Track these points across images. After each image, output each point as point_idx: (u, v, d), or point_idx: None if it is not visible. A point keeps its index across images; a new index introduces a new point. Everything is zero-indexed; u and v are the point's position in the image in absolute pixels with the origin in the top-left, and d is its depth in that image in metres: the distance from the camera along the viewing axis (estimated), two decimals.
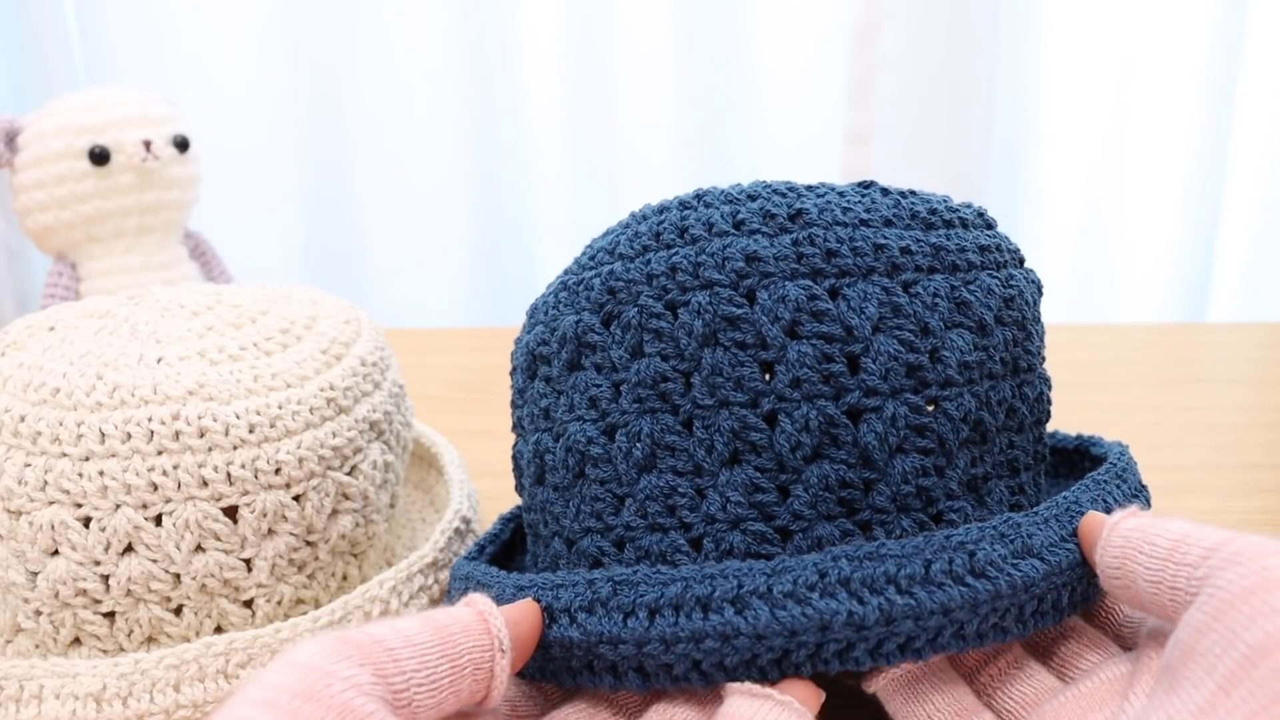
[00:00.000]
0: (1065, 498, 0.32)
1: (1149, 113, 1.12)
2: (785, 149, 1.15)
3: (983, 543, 0.29)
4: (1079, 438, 0.43)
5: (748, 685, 0.29)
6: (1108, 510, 0.32)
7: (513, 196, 1.18)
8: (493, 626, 0.29)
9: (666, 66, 1.14)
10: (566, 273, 0.37)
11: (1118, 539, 0.29)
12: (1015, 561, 0.29)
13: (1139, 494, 0.35)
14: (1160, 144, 1.13)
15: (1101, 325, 0.95)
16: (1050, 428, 0.42)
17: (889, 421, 0.31)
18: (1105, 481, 0.34)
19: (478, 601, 0.29)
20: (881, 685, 0.31)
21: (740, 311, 0.32)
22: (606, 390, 0.33)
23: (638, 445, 0.32)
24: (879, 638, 0.28)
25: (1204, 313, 1.19)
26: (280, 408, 0.39)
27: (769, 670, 0.28)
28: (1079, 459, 0.42)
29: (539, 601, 0.31)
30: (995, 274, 0.35)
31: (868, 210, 0.34)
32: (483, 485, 0.55)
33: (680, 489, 0.32)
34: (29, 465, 0.37)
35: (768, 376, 0.32)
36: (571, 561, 0.35)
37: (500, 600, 0.33)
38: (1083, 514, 0.32)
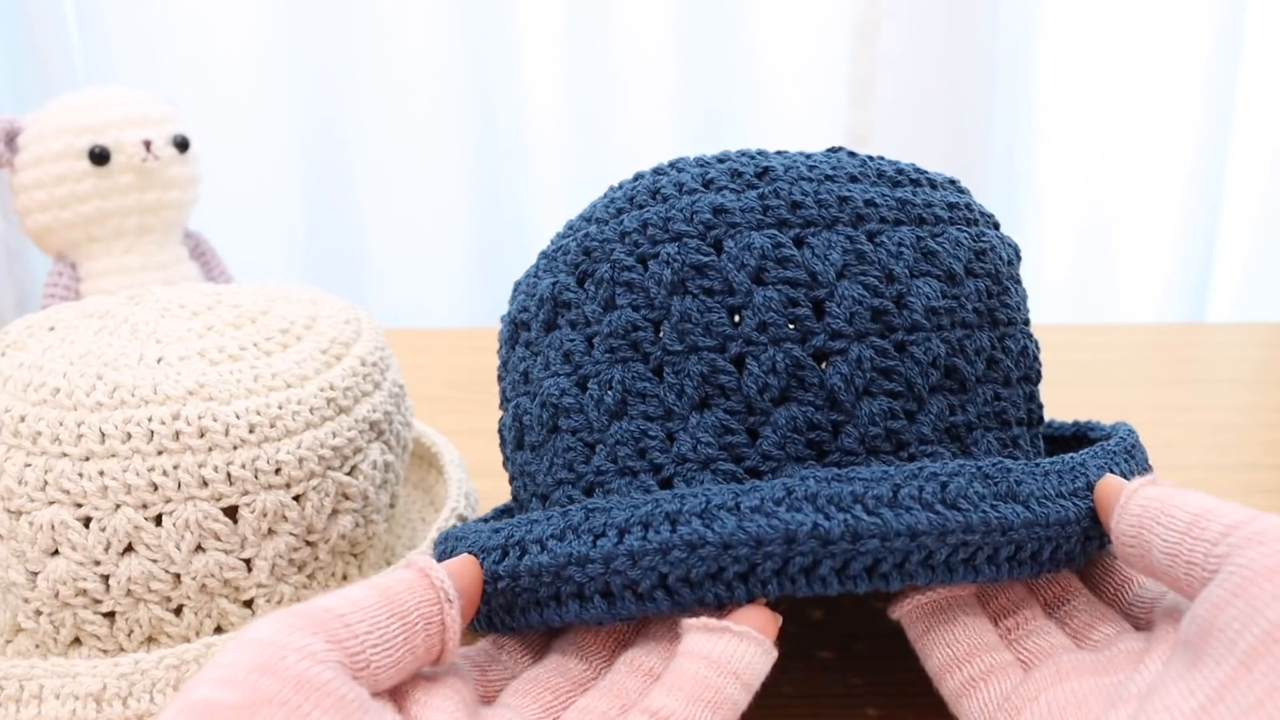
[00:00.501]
0: (1071, 457, 0.32)
1: (1149, 113, 1.12)
2: (785, 148, 1.15)
3: (958, 477, 0.29)
4: (1076, 424, 0.43)
5: (703, 620, 0.29)
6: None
7: (512, 196, 1.19)
8: (435, 580, 0.29)
9: (666, 66, 1.14)
10: (547, 245, 0.38)
11: (1135, 506, 0.29)
12: (995, 502, 0.29)
13: (1146, 471, 0.35)
14: (1160, 144, 1.13)
15: (1101, 325, 0.95)
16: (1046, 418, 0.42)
17: (854, 363, 0.32)
18: (1115, 452, 0.34)
19: (417, 561, 0.30)
20: (905, 611, 0.31)
21: (708, 259, 0.33)
22: (580, 344, 0.34)
23: (609, 393, 0.33)
24: (845, 555, 0.28)
25: (1204, 313, 1.19)
26: (280, 408, 0.39)
27: (734, 585, 0.29)
28: (1077, 446, 0.42)
29: (512, 537, 0.32)
30: (964, 228, 0.35)
31: (833, 168, 0.35)
32: (483, 485, 0.55)
33: (651, 432, 0.33)
34: (29, 465, 0.37)
35: (736, 321, 0.32)
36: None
37: (476, 544, 0.33)
38: (1086, 475, 0.32)
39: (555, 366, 0.35)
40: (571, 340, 0.34)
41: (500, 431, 0.39)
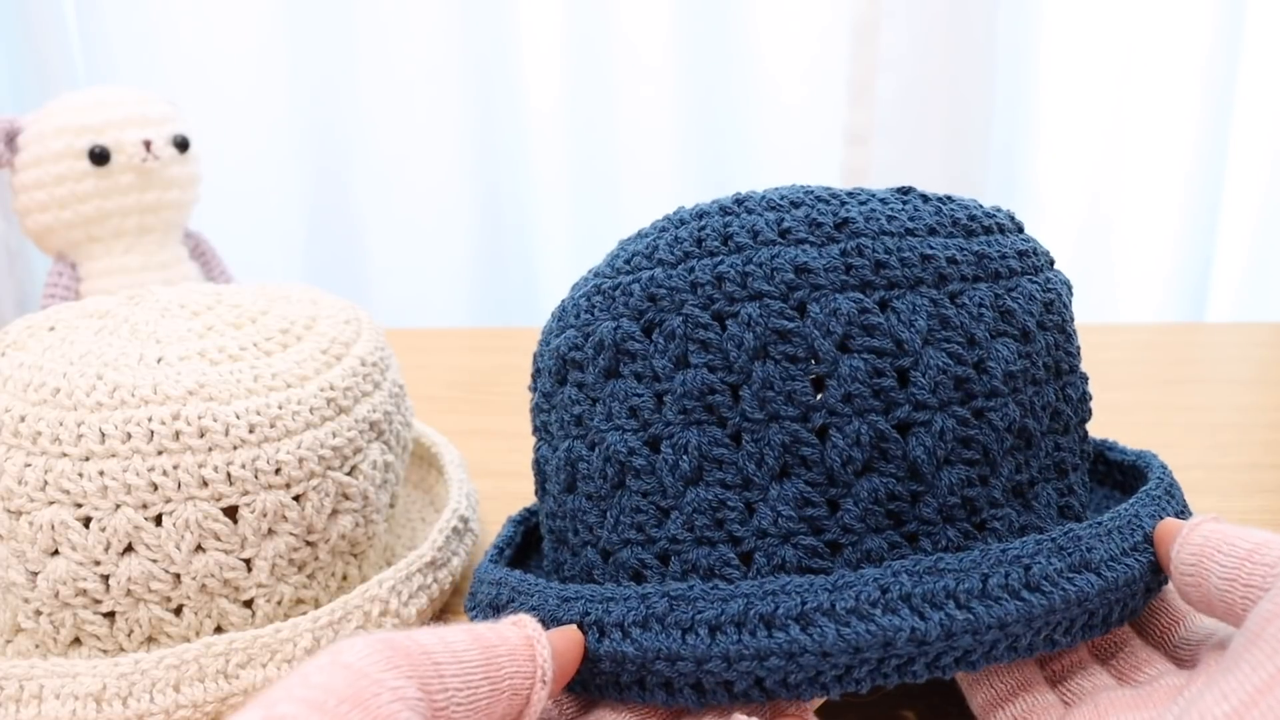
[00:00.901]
0: (1126, 510, 0.32)
1: (1149, 113, 1.12)
2: (785, 149, 1.15)
3: (1039, 556, 0.29)
4: (1137, 454, 0.42)
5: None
6: None
7: (512, 196, 1.18)
8: (539, 655, 0.28)
9: (666, 67, 1.14)
10: (598, 275, 0.37)
11: (1197, 538, 0.30)
12: (1071, 576, 0.29)
13: (1185, 511, 0.35)
14: (1160, 144, 1.13)
15: (1101, 325, 0.95)
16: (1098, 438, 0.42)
17: (937, 435, 0.31)
18: (1158, 496, 0.34)
19: (526, 624, 0.29)
20: None
21: (792, 325, 0.31)
22: (649, 400, 0.33)
23: (684, 458, 0.32)
24: (938, 652, 0.28)
25: (1204, 313, 1.19)
26: (280, 408, 0.39)
27: (831, 686, 0.29)
28: (1093, 464, 0.42)
29: (588, 614, 0.31)
30: (1034, 279, 0.35)
31: (911, 219, 0.33)
32: (483, 485, 0.55)
33: (729, 502, 0.32)
34: (29, 465, 0.37)
35: (818, 390, 0.31)
36: (608, 573, 0.34)
37: (543, 610, 0.33)
38: (1143, 527, 0.32)
39: (620, 420, 0.34)
40: (639, 395, 0.33)
41: (540, 465, 0.38)
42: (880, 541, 0.31)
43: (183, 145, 0.71)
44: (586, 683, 0.31)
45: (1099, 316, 1.17)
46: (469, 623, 0.30)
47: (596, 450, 0.34)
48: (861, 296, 0.32)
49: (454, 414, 0.69)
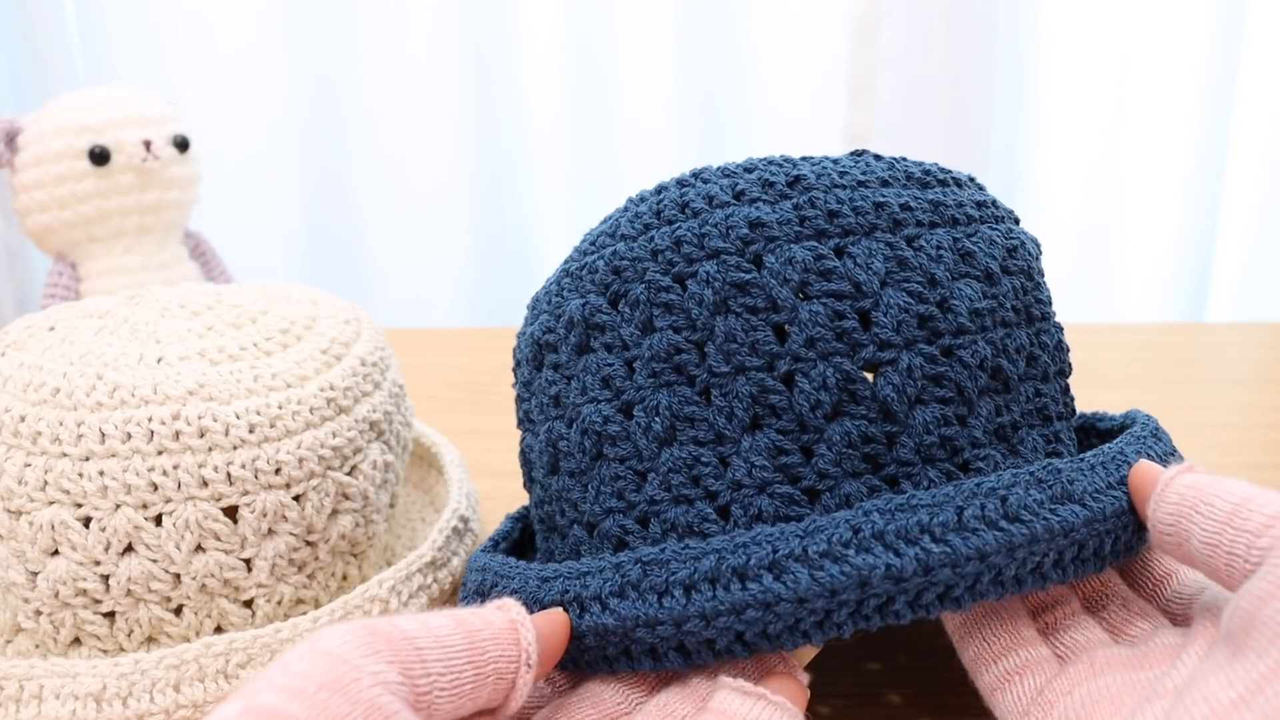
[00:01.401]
0: (1111, 447, 0.32)
1: (1149, 113, 1.12)
2: (785, 149, 1.14)
3: (1015, 488, 0.29)
4: (1082, 415, 0.42)
5: (739, 682, 0.29)
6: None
7: (512, 196, 1.18)
8: (523, 638, 0.28)
9: (666, 66, 1.14)
10: (567, 261, 0.37)
11: (1173, 495, 0.29)
12: (1054, 506, 0.29)
13: (1174, 454, 0.35)
14: (1160, 144, 1.13)
15: (1101, 325, 0.95)
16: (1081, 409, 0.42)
17: (905, 373, 0.31)
18: (1144, 437, 0.34)
19: (510, 608, 0.29)
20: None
21: (749, 276, 0.32)
22: (619, 369, 0.33)
23: (656, 419, 0.32)
24: (918, 588, 0.28)
25: (1204, 313, 1.19)
26: (280, 408, 0.39)
27: (812, 633, 0.28)
28: (1083, 436, 0.42)
29: (567, 592, 0.31)
30: (995, 226, 0.35)
31: (863, 172, 0.34)
32: (483, 485, 0.55)
33: (704, 458, 0.32)
34: (29, 465, 0.37)
35: (782, 338, 0.32)
36: (594, 546, 0.34)
37: (524, 591, 0.33)
38: (1129, 462, 0.32)
39: (594, 392, 0.34)
40: (610, 365, 0.33)
41: (525, 454, 0.38)
42: (859, 486, 0.31)
43: (183, 145, 0.71)
44: (576, 660, 0.31)
45: (1099, 316, 1.17)
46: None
47: (574, 426, 0.35)
48: (816, 244, 0.32)
49: (454, 414, 0.69)
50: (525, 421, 0.38)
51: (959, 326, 0.32)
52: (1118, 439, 0.33)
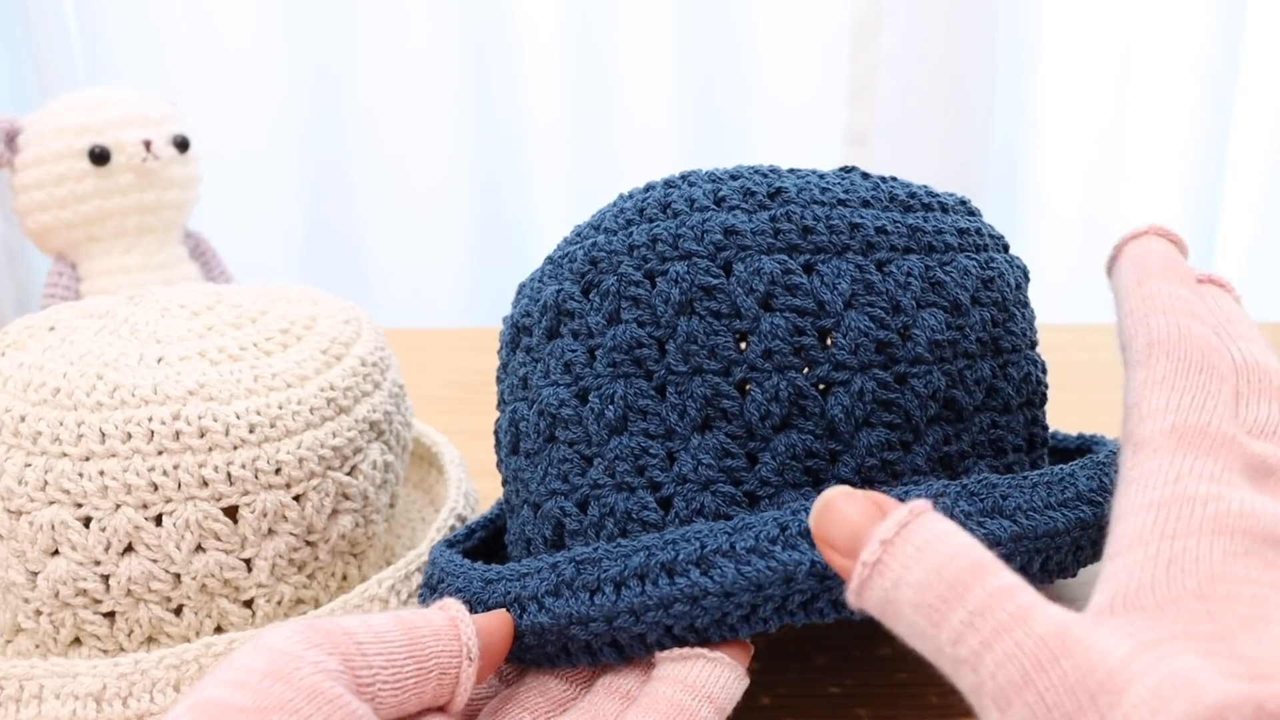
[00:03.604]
0: (1061, 468, 0.33)
1: (1148, 112, 1.12)
2: (785, 148, 1.15)
3: (943, 497, 0.30)
4: (1080, 437, 0.42)
5: (676, 650, 0.29)
6: (1104, 491, 0.32)
7: (512, 196, 1.19)
8: (463, 634, 0.29)
9: (666, 66, 1.14)
10: (554, 250, 0.38)
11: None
12: (981, 519, 0.29)
13: None
14: (1160, 144, 1.13)
15: (1101, 325, 0.95)
16: (1050, 428, 0.42)
17: (856, 395, 0.32)
18: (1104, 463, 0.34)
19: (451, 606, 0.30)
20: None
21: (717, 282, 0.32)
22: (582, 355, 0.34)
23: (610, 407, 0.33)
24: (842, 586, 0.28)
25: None
26: (280, 408, 0.39)
27: (739, 627, 0.29)
28: (1079, 458, 0.42)
29: (509, 593, 0.32)
30: (974, 256, 0.35)
31: (846, 191, 0.34)
32: (482, 485, 0.55)
33: (651, 450, 0.33)
34: (29, 465, 0.37)
35: (741, 346, 0.32)
36: (536, 526, 0.35)
37: (468, 591, 0.33)
38: (1075, 485, 0.32)
39: (555, 376, 0.35)
40: (573, 350, 0.34)
41: (496, 434, 0.39)
42: (797, 496, 0.31)
43: (183, 145, 0.71)
44: (520, 658, 0.32)
45: (1099, 316, 1.17)
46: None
47: (533, 407, 0.35)
48: (786, 258, 0.32)
49: (454, 414, 0.69)
50: (500, 402, 0.39)
51: (916, 356, 0.32)
52: (1072, 462, 0.34)
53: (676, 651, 0.29)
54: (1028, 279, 0.38)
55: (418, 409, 0.54)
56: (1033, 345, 0.37)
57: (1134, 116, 1.12)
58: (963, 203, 0.37)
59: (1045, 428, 0.38)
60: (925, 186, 0.37)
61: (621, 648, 0.30)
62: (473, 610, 0.33)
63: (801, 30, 1.12)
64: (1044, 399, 0.37)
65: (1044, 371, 0.38)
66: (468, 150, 1.16)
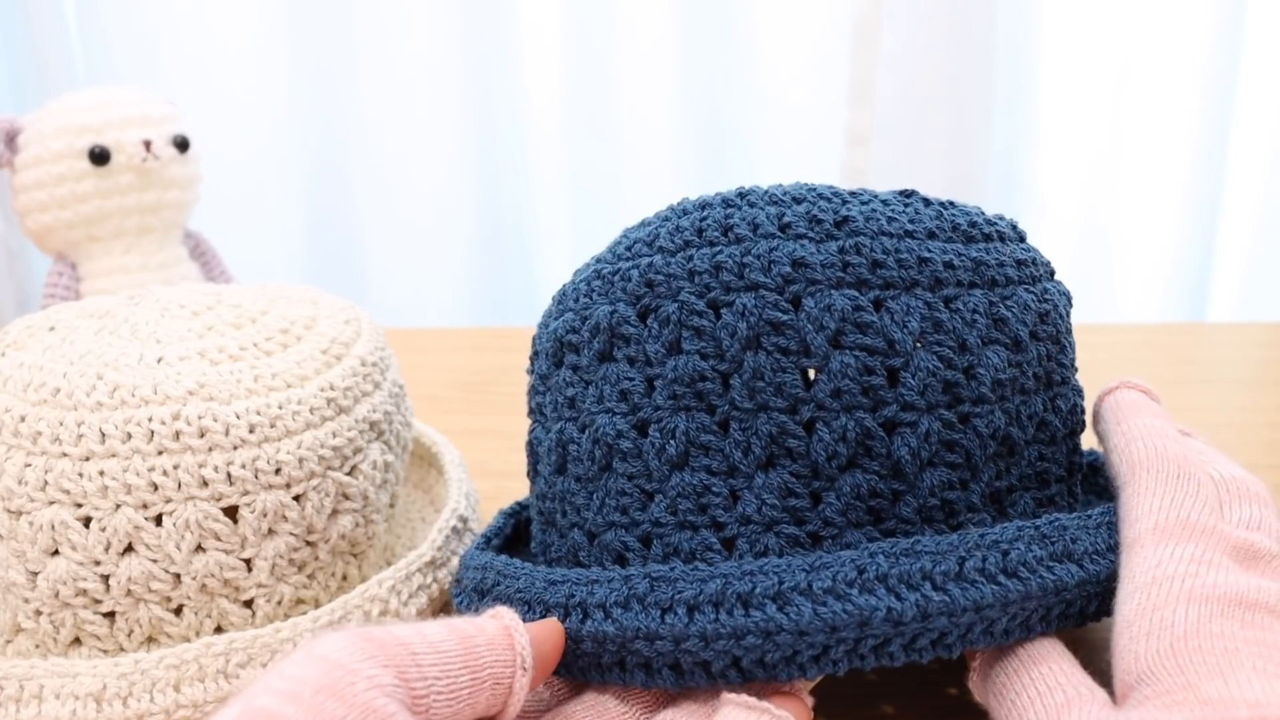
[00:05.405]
0: (1116, 506, 0.32)
1: (1148, 113, 1.12)
2: (785, 148, 1.15)
3: (1018, 543, 0.30)
4: (1089, 455, 0.42)
5: (744, 698, 0.29)
6: None
7: (512, 195, 1.19)
8: (517, 643, 0.29)
9: (666, 65, 1.14)
10: (600, 260, 0.37)
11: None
12: (1051, 565, 0.29)
13: None
14: (1160, 144, 1.13)
15: (1101, 325, 0.95)
16: None
17: (923, 437, 0.31)
18: None
19: (504, 615, 0.29)
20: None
21: (786, 317, 0.32)
22: (639, 384, 0.33)
23: (671, 442, 0.32)
24: (914, 633, 0.28)
25: (1204, 313, 1.19)
26: (280, 408, 0.39)
27: (808, 667, 0.29)
28: (1091, 476, 0.42)
29: (573, 596, 0.32)
30: (1031, 288, 0.35)
31: (912, 221, 0.34)
32: (483, 485, 0.55)
33: (714, 488, 0.32)
34: (29, 465, 0.37)
35: (809, 383, 0.32)
36: (593, 555, 0.34)
37: (529, 591, 0.33)
38: None
39: (610, 403, 0.34)
40: (630, 379, 0.33)
41: (533, 446, 0.38)
42: (859, 536, 0.31)
43: (183, 145, 0.71)
44: (570, 666, 0.32)
45: (1099, 317, 1.17)
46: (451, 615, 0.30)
47: (587, 432, 0.35)
48: (857, 294, 0.32)
49: (454, 414, 0.69)
50: (538, 414, 0.38)
51: (979, 395, 0.32)
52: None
53: (742, 699, 0.29)
54: (1071, 304, 0.38)
55: (418, 409, 0.54)
56: (1075, 373, 0.37)
57: (1134, 117, 1.12)
58: (1014, 227, 0.37)
59: (1082, 454, 0.37)
60: (980, 210, 0.36)
61: (683, 672, 0.30)
62: (530, 610, 0.32)
63: (801, 30, 1.12)
64: (1083, 426, 0.37)
65: (1082, 397, 0.37)
66: (468, 151, 1.16)
